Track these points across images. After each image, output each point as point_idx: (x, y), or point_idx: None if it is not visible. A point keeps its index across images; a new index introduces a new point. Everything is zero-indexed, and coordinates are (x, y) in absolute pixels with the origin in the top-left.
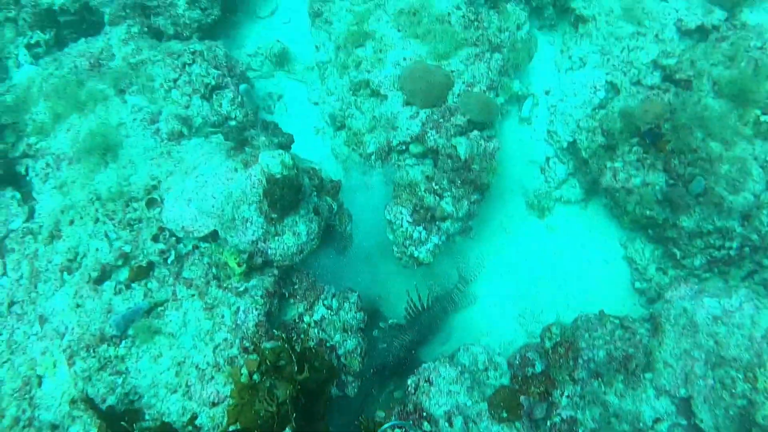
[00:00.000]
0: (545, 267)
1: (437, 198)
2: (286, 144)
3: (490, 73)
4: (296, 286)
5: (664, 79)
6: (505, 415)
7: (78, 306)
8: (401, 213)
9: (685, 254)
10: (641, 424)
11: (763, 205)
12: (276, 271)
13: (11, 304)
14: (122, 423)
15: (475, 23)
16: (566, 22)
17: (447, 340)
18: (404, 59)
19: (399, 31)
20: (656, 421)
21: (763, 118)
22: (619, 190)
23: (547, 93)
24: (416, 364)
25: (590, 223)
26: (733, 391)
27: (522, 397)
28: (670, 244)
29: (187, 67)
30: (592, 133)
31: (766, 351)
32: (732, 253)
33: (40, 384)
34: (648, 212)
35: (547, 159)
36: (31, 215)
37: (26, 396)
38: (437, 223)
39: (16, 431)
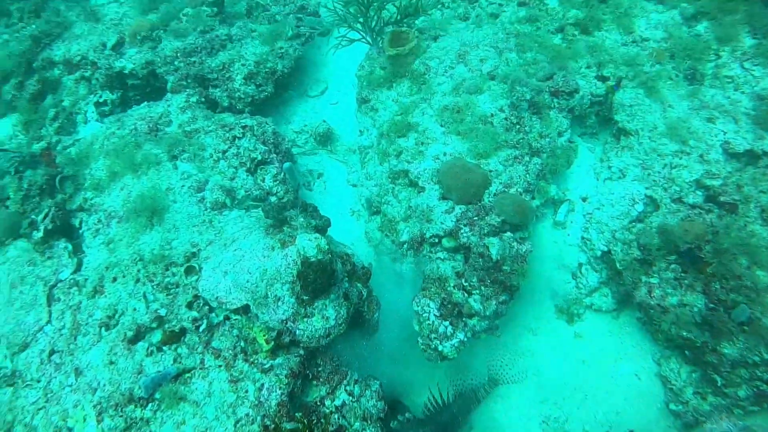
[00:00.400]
0: (572, 375)
1: (466, 295)
2: (322, 227)
3: (527, 175)
4: (320, 369)
5: (708, 200)
6: None
7: (111, 363)
8: (429, 306)
9: (727, 383)
10: None
11: None
12: (302, 352)
13: (52, 352)
14: None
15: (517, 126)
16: (608, 132)
17: None
18: (444, 154)
19: (442, 126)
20: None
21: None
22: (654, 307)
23: (584, 200)
24: None
25: (621, 335)
26: None
27: None
28: (710, 369)
29: (237, 140)
30: (627, 245)
31: None
32: None
33: None
34: (685, 333)
35: (580, 265)
36: (78, 267)
37: None
38: (464, 319)
39: None
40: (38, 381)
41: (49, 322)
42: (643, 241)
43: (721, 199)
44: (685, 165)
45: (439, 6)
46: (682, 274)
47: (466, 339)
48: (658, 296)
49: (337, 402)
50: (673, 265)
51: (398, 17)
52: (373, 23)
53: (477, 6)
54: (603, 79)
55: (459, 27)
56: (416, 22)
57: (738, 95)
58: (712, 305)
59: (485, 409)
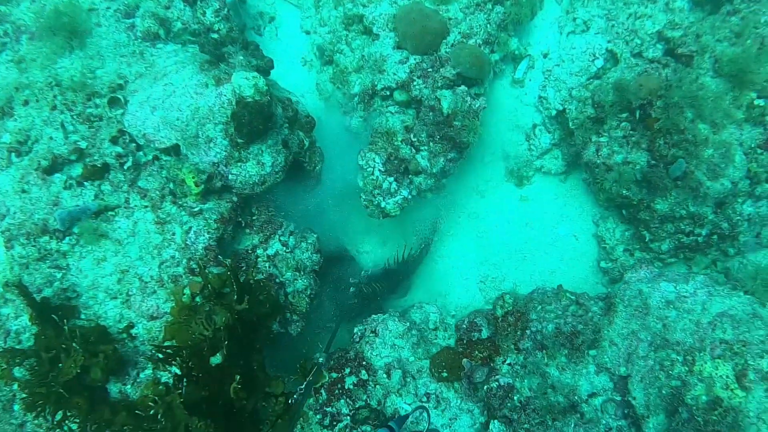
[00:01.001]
0: (515, 236)
1: (413, 150)
2: (264, 68)
3: (488, 26)
4: (254, 218)
5: (667, 53)
6: (445, 374)
7: (23, 191)
8: (374, 161)
9: (654, 238)
10: (576, 397)
11: (739, 193)
12: (235, 198)
13: None
14: (54, 316)
15: None
16: None
17: (407, 293)
18: None
19: None
20: (591, 395)
21: (757, 102)
22: (599, 166)
23: (545, 56)
24: (379, 309)
25: (567, 197)
26: (670, 372)
27: (465, 360)
28: (641, 227)
29: None
30: (582, 103)
31: (710, 337)
32: (700, 240)
33: None
34: (624, 191)
35: (534, 126)
36: None
37: None
38: (410, 176)
39: None
40: None
41: None
42: (597, 98)
43: (679, 51)
44: (649, 15)
45: None
46: (631, 132)
47: (410, 197)
48: (604, 155)
49: (270, 251)
50: (623, 123)
51: None
52: None
53: None
54: None
55: None
56: None
57: None
58: (653, 162)
59: (426, 267)
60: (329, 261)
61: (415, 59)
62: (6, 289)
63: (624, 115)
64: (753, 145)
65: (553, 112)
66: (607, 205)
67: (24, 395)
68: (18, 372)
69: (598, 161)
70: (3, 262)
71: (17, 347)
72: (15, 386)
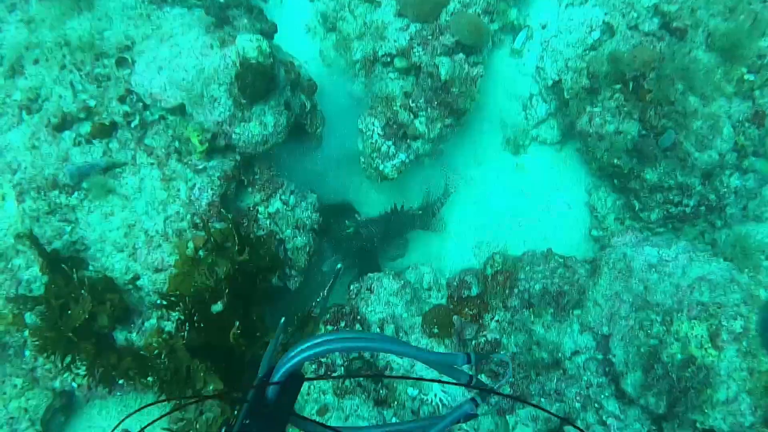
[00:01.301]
0: (510, 204)
1: (412, 116)
2: (268, 32)
3: None
4: (257, 176)
5: (662, 27)
6: (436, 331)
7: (34, 147)
8: (373, 124)
9: (643, 207)
10: (559, 354)
11: (726, 165)
12: (238, 157)
13: None
14: (64, 266)
15: None
16: None
17: (404, 246)
18: None
19: None
20: (574, 353)
21: (747, 77)
22: (591, 135)
23: (543, 27)
24: (375, 259)
25: (561, 167)
26: (649, 332)
27: (455, 317)
28: (632, 196)
29: None
30: (578, 74)
31: (688, 299)
32: (688, 210)
33: None
34: (615, 161)
35: (531, 96)
36: None
37: None
38: (408, 140)
39: None
40: None
41: None
42: (592, 69)
43: (674, 25)
44: None
45: None
46: (624, 103)
47: (408, 160)
48: (597, 124)
49: (271, 209)
50: (617, 94)
51: None
52: None
53: None
54: None
55: None
56: None
57: None
58: (644, 132)
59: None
60: (332, 212)
61: (415, 27)
62: (17, 241)
63: (618, 86)
64: (741, 119)
65: (550, 82)
66: (599, 175)
67: (35, 341)
68: (29, 318)
69: (591, 130)
70: (14, 215)
71: (28, 295)
72: (26, 333)
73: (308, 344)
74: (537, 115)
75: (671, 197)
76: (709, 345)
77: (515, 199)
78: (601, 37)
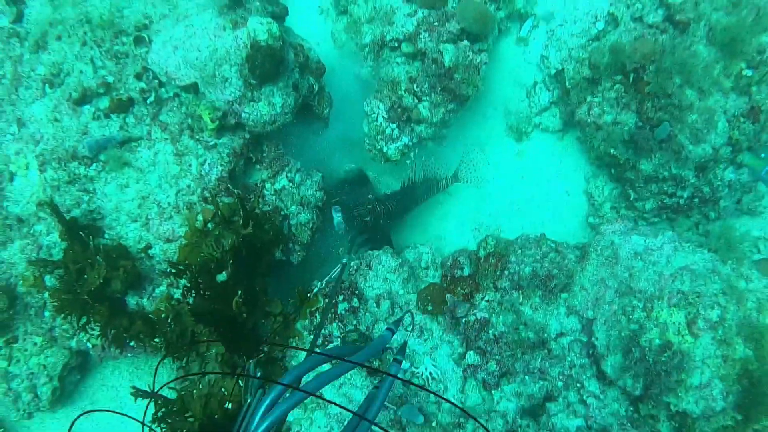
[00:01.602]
0: (511, 189)
1: (416, 100)
2: (279, 15)
3: None
4: (264, 154)
5: (666, 19)
6: (430, 308)
7: (56, 120)
8: (378, 107)
9: (638, 197)
10: (545, 335)
11: (720, 159)
12: (247, 135)
13: None
14: (81, 233)
15: None
16: None
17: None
18: None
19: None
20: (560, 334)
21: (745, 72)
22: (589, 125)
23: (549, 15)
24: (387, 233)
25: (562, 155)
26: (631, 317)
27: (448, 295)
28: (627, 186)
29: None
30: (580, 64)
31: (669, 287)
32: (682, 201)
33: (11, 180)
34: (612, 150)
35: (535, 84)
36: (19, 18)
37: None
38: (412, 124)
39: None
40: None
41: None
42: (594, 60)
43: (677, 18)
44: None
45: None
46: (624, 94)
47: (411, 143)
48: (595, 114)
49: (277, 186)
50: (617, 85)
51: None
52: None
53: None
54: None
55: None
56: None
57: None
58: (641, 123)
59: (424, 212)
60: (346, 182)
61: (422, 13)
62: (39, 208)
63: (618, 77)
64: (737, 114)
65: (553, 71)
66: (597, 164)
67: (53, 302)
68: (49, 281)
69: (589, 120)
70: (36, 183)
71: (48, 259)
72: (45, 294)
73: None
74: (540, 103)
75: (665, 188)
76: (686, 332)
77: (516, 185)
78: (605, 27)
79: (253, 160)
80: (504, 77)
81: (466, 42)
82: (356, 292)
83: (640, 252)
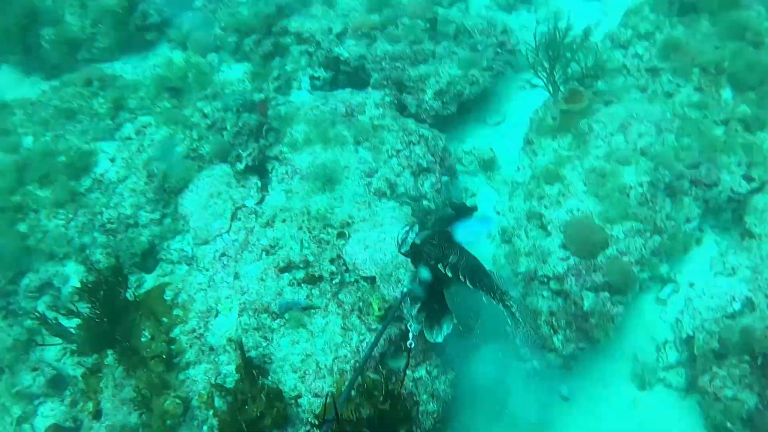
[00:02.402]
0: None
1: (552, 331)
2: None
3: (644, 250)
4: (415, 346)
5: None
6: None
7: (262, 279)
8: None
9: None
10: None
11: None
12: (403, 327)
13: (223, 254)
14: (253, 371)
15: (649, 203)
16: (737, 230)
17: None
18: (578, 210)
19: (585, 185)
20: None
21: None
22: (709, 394)
23: (691, 285)
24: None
25: (681, 413)
26: None
27: None
28: None
29: (412, 145)
30: (710, 336)
31: None
32: None
33: (216, 316)
34: (729, 425)
35: (665, 342)
36: (260, 202)
37: (206, 319)
38: (545, 351)
39: (190, 337)
40: (207, 270)
41: (228, 231)
42: (724, 336)
43: None
44: None
45: (624, 72)
46: (748, 374)
47: (539, 367)
48: (716, 386)
49: (416, 375)
50: (743, 365)
51: (581, 75)
52: (557, 76)
53: (657, 81)
54: (749, 179)
55: (634, 97)
56: (597, 83)
57: None
58: (761, 407)
59: None
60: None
61: (574, 260)
62: (228, 343)
63: (746, 357)
64: None
65: (684, 336)
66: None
67: (214, 421)
68: (217, 402)
69: (710, 390)
70: (233, 323)
71: (222, 385)
72: (210, 412)
73: None
74: (668, 360)
75: None
76: None
77: (629, 429)
78: (741, 309)
79: (402, 348)
80: (638, 328)
81: (606, 294)
82: None
83: None
